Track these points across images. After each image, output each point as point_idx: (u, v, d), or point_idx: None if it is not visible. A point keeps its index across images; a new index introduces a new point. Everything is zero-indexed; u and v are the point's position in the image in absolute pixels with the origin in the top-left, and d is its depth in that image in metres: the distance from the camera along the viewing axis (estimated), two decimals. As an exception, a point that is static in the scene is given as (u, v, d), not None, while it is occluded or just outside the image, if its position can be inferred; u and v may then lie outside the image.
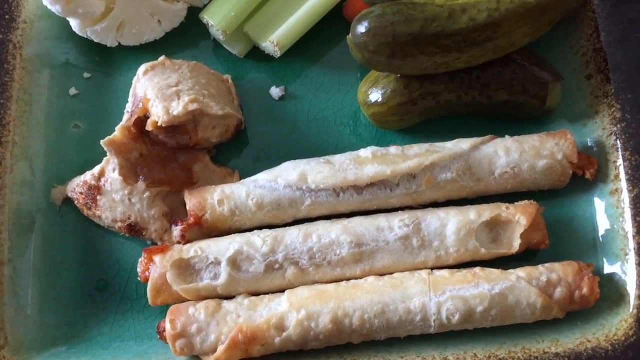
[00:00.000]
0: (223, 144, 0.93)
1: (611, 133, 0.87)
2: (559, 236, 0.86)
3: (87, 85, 0.97)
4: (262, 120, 0.96)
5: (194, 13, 0.98)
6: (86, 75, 0.97)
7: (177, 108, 0.84)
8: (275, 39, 0.93)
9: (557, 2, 0.80)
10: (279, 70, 0.98)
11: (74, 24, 0.95)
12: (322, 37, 0.98)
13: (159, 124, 0.84)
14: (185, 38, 1.00)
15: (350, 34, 0.84)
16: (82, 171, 0.90)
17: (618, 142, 0.86)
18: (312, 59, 0.99)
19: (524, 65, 0.87)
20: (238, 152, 0.94)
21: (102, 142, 0.85)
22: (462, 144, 0.86)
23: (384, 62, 0.82)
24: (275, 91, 0.97)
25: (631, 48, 0.89)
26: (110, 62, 0.98)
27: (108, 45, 0.97)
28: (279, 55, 0.95)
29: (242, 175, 0.91)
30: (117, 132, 0.86)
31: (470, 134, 0.88)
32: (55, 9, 0.91)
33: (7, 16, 0.94)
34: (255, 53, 0.98)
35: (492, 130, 0.89)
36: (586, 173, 0.86)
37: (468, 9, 0.80)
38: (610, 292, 0.82)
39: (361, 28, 0.82)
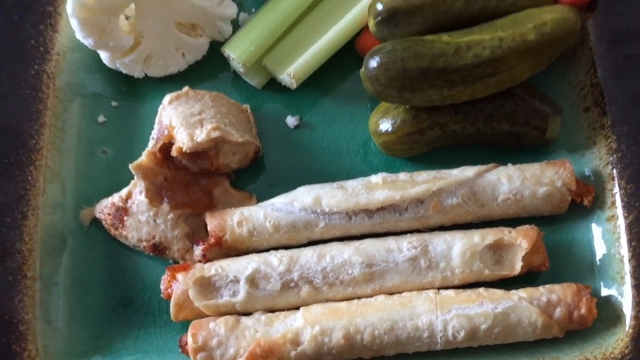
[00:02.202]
0: (242, 170, 0.99)
1: (608, 163, 0.93)
2: (559, 259, 0.91)
3: (114, 113, 1.03)
4: (279, 148, 1.01)
5: (215, 47, 1.05)
6: (114, 104, 1.04)
7: (201, 135, 0.90)
8: (292, 71, 1.00)
9: (555, 40, 0.86)
10: (294, 101, 1.04)
11: (104, 56, 1.02)
12: (335, 70, 1.05)
13: (183, 150, 0.90)
14: (207, 70, 1.06)
15: (362, 68, 0.90)
16: (108, 194, 0.95)
17: (614, 171, 0.91)
18: (326, 91, 1.05)
19: (525, 99, 0.92)
20: (255, 177, 1.00)
21: (130, 166, 0.91)
22: (467, 172, 0.91)
23: (394, 94, 0.88)
24: (291, 120, 1.03)
25: (626, 83, 0.95)
26: (136, 92, 1.05)
27: (135, 77, 1.03)
28: (295, 87, 1.02)
29: (259, 199, 0.96)
30: (144, 157, 0.92)
31: (475, 162, 0.94)
32: (88, 42, 0.98)
33: (41, 48, 1.01)
34: (273, 84, 1.05)
35: (496, 159, 0.95)
36: (584, 200, 0.91)
37: (473, 46, 0.86)
38: (608, 313, 0.86)
39: (373, 63, 0.88)
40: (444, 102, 0.90)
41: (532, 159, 0.95)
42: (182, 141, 0.90)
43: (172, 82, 1.05)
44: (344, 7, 1.02)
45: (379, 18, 0.90)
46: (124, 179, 0.94)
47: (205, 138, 0.90)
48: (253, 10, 1.09)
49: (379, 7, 0.90)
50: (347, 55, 1.04)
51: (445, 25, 0.90)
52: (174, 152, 0.91)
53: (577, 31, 0.89)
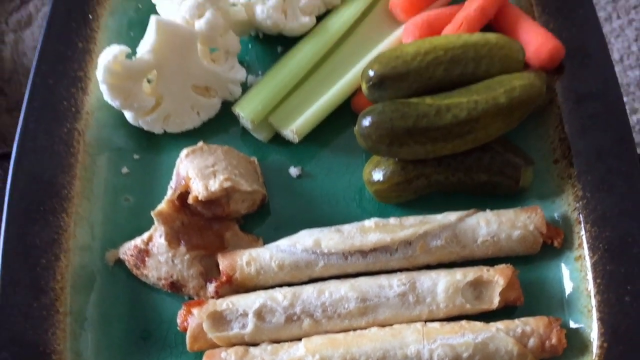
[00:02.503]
0: (250, 215, 1.10)
1: (575, 209, 1.04)
2: (533, 295, 1.01)
3: (137, 165, 1.15)
4: (283, 195, 1.13)
5: (227, 106, 1.18)
6: (136, 156, 1.16)
7: (214, 185, 1.02)
8: (294, 128, 1.12)
9: (523, 103, 0.99)
10: (297, 153, 1.16)
11: (128, 115, 1.15)
12: (333, 126, 1.17)
13: (199, 198, 1.02)
14: (219, 126, 1.19)
15: (356, 126, 1.03)
16: (131, 237, 1.06)
17: (580, 216, 1.03)
18: (325, 144, 1.17)
19: (500, 152, 1.05)
20: (262, 222, 1.11)
21: (152, 213, 1.02)
22: (450, 217, 1.03)
23: (384, 149, 1.01)
24: (294, 171, 1.15)
25: (589, 138, 1.07)
26: (156, 146, 1.17)
27: (155, 133, 1.16)
28: (297, 141, 1.14)
29: (265, 242, 1.07)
30: (164, 205, 1.04)
31: (457, 207, 1.05)
32: (115, 104, 1.11)
33: (73, 109, 1.14)
34: (278, 138, 1.17)
35: (475, 204, 1.06)
36: (554, 242, 1.03)
37: (452, 108, 0.99)
38: (576, 343, 0.96)
39: (366, 122, 1.01)
40: (428, 155, 1.02)
41: (508, 205, 1.06)
42: (198, 190, 1.02)
43: (188, 137, 1.17)
44: (340, 72, 1.16)
45: (371, 83, 1.04)
46: (145, 224, 1.06)
47: (218, 188, 1.02)
48: (260, 73, 1.23)
49: (371, 73, 1.03)
50: (344, 112, 1.17)
51: (428, 89, 1.03)
52: (190, 200, 1.03)
53: (543, 95, 1.02)
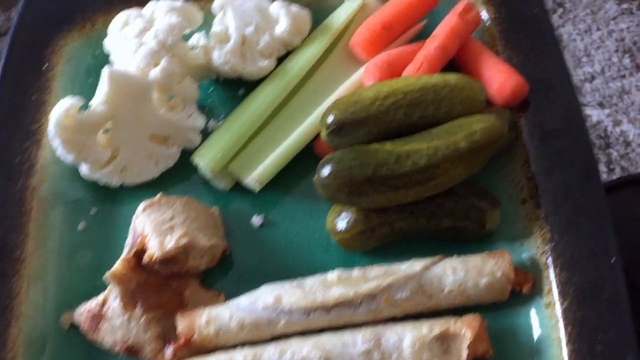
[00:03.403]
0: (211, 269, 1.07)
1: (543, 252, 1.01)
2: (503, 343, 0.97)
3: (94, 220, 1.11)
4: (245, 246, 1.10)
5: (186, 154, 1.15)
6: (93, 211, 1.12)
7: (171, 243, 0.99)
8: (255, 177, 1.09)
9: (484, 147, 0.96)
10: (259, 201, 1.13)
11: (83, 169, 1.11)
12: (296, 171, 1.14)
13: (154, 258, 0.98)
14: (179, 175, 1.16)
15: (315, 176, 1.00)
16: (88, 297, 1.02)
17: (549, 260, 1.00)
18: (288, 190, 1.14)
19: (464, 196, 1.02)
20: (224, 275, 1.07)
21: (105, 276, 0.99)
22: (415, 266, 0.99)
23: (344, 199, 0.98)
24: (256, 220, 1.11)
25: (557, 178, 1.04)
26: (113, 199, 1.13)
27: (112, 186, 1.13)
28: (258, 190, 1.11)
29: (227, 296, 1.03)
30: (118, 265, 1.00)
31: (423, 252, 1.02)
32: (69, 158, 1.07)
33: (27, 164, 1.10)
34: (239, 186, 1.14)
35: (442, 248, 1.02)
36: (523, 288, 0.99)
37: (412, 155, 0.96)
38: (548, 393, 0.93)
39: (324, 171, 0.98)
40: (390, 203, 0.99)
41: (475, 248, 1.03)
42: (153, 249, 0.99)
43: (147, 188, 1.14)
44: (301, 115, 1.13)
45: (330, 129, 1.01)
46: (102, 283, 1.02)
47: (174, 245, 0.98)
48: (221, 117, 1.20)
49: (329, 119, 1.01)
50: (307, 156, 1.14)
51: (389, 134, 1.00)
52: (145, 259, 0.99)
53: (505, 137, 0.99)
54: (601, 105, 1.59)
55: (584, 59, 1.66)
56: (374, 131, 1.00)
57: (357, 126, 0.99)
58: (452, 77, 1.01)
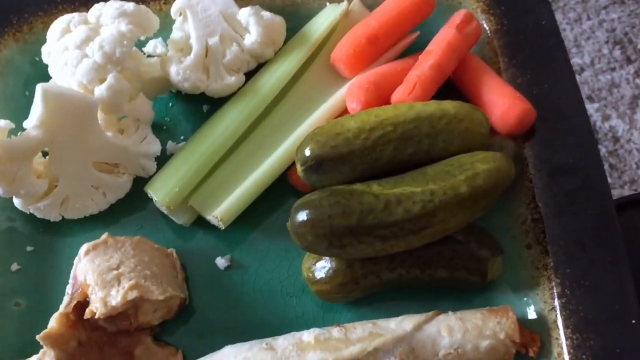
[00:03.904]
0: (168, 319, 0.92)
1: (552, 308, 0.88)
2: (506, 419, 0.85)
3: (30, 259, 0.95)
4: (208, 292, 0.94)
5: (139, 181, 0.99)
6: (29, 249, 0.96)
7: (116, 298, 0.83)
8: (219, 214, 0.93)
9: (488, 192, 0.82)
10: (224, 238, 0.98)
11: (16, 201, 0.95)
12: (268, 202, 0.99)
13: (96, 316, 0.82)
14: (132, 206, 1.00)
15: (289, 221, 0.85)
16: (22, 352, 0.87)
17: (559, 318, 0.87)
18: (257, 225, 0.98)
19: (462, 242, 0.88)
20: (183, 326, 0.92)
21: (38, 337, 0.83)
22: (405, 324, 0.85)
23: (322, 250, 0.83)
24: (221, 262, 0.96)
25: (568, 222, 0.91)
26: (54, 234, 0.97)
27: (52, 220, 0.97)
28: (223, 228, 0.95)
29: (187, 353, 0.89)
30: (54, 323, 0.84)
31: (415, 304, 0.89)
32: (-3, 191, 0.91)
33: (-50, 195, 0.94)
34: (202, 220, 0.98)
35: (436, 299, 0.90)
36: (530, 351, 0.86)
37: (403, 201, 0.81)
38: None
39: (299, 218, 0.82)
40: (378, 254, 0.85)
41: (473, 298, 0.90)
42: (96, 305, 0.83)
43: (94, 221, 0.98)
44: (273, 141, 0.98)
45: (306, 165, 0.85)
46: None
47: (121, 301, 0.83)
48: (182, 138, 1.04)
49: (306, 153, 0.85)
50: (280, 185, 0.99)
51: (376, 172, 0.86)
52: (87, 315, 0.84)
53: (512, 178, 0.85)
54: (590, 99, 1.49)
55: (573, 50, 1.56)
56: (359, 169, 0.85)
57: (339, 163, 0.84)
58: (450, 106, 0.87)
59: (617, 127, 1.50)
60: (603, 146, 1.51)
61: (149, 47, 1.05)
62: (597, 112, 1.51)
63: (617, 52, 1.57)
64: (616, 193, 1.44)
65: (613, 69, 1.56)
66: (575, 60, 1.55)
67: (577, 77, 1.57)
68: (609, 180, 1.60)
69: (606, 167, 1.56)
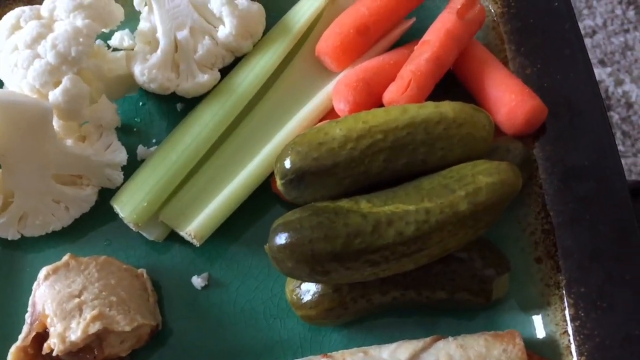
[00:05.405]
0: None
1: (564, 332, 0.79)
2: None
3: (-14, 282, 0.87)
4: (183, 315, 0.86)
5: (107, 193, 0.90)
6: (-15, 270, 0.88)
7: (76, 332, 0.75)
8: (192, 231, 0.84)
9: (491, 208, 0.72)
10: (201, 254, 0.89)
11: (-32, 220, 0.86)
12: (248, 212, 0.89)
13: (54, 353, 0.74)
14: (98, 220, 0.91)
15: (268, 243, 0.75)
16: (-22, 387, 0.80)
17: (573, 343, 0.77)
18: (237, 238, 0.89)
19: (464, 261, 0.78)
20: (157, 353, 0.84)
21: (-10, 377, 0.75)
22: (400, 354, 0.76)
23: (305, 277, 0.74)
24: (197, 281, 0.87)
25: (582, 233, 0.81)
26: (12, 254, 0.88)
27: (9, 239, 0.88)
28: (198, 245, 0.86)
29: (161, 383, 0.81)
30: (11, 357, 0.76)
31: (411, 323, 0.82)
32: (-57, 213, 0.82)
33: None
34: (177, 234, 0.89)
35: (434, 320, 0.82)
36: (539, 381, 0.77)
37: (395, 221, 0.71)
38: None
39: (278, 241, 0.73)
40: (367, 279, 0.75)
41: (475, 319, 0.82)
42: (54, 341, 0.74)
43: (57, 238, 0.90)
44: (252, 147, 0.88)
45: (286, 179, 0.76)
46: (-3, 367, 0.79)
47: (81, 336, 0.75)
48: (154, 141, 0.94)
49: (286, 165, 0.75)
50: (262, 193, 0.89)
51: (365, 186, 0.76)
52: (45, 351, 0.75)
53: (519, 189, 0.74)
54: (602, 63, 1.39)
55: (585, 11, 1.45)
56: (345, 183, 0.75)
57: (322, 176, 0.74)
58: (448, 108, 0.76)
59: (631, 92, 1.42)
60: (616, 112, 1.42)
61: (114, 40, 0.95)
62: (610, 76, 1.42)
63: (630, 13, 1.47)
64: (629, 162, 1.35)
65: (627, 31, 1.46)
66: (587, 22, 1.44)
67: (589, 41, 1.46)
68: (621, 148, 1.50)
69: (618, 134, 1.47)
